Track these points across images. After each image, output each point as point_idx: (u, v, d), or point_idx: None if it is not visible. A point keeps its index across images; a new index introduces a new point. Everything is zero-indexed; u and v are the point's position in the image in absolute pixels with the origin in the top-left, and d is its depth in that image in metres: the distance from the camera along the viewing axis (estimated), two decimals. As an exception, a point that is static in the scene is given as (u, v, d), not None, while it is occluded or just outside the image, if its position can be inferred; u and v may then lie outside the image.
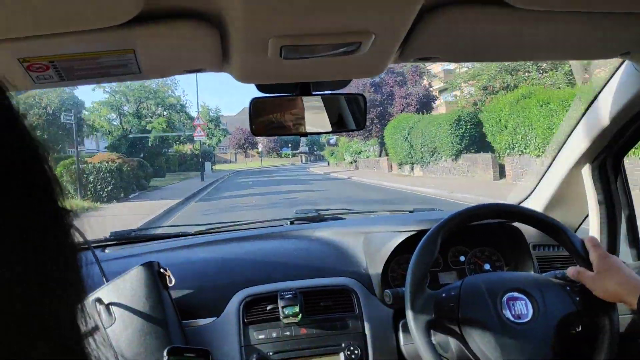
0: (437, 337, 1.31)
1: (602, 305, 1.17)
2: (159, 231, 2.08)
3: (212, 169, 38.80)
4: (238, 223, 1.96)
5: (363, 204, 11.44)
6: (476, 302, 1.19)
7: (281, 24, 0.78)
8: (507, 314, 1.17)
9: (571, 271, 1.21)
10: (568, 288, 1.21)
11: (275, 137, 31.32)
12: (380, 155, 28.84)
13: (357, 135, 29.67)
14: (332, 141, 45.26)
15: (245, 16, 0.74)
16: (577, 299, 1.19)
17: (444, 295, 1.21)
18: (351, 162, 32.92)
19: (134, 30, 0.78)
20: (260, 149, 60.34)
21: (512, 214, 1.38)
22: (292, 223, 1.93)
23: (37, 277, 0.34)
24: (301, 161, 60.80)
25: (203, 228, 1.90)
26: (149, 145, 31.42)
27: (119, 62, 0.89)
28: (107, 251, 1.72)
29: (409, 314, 1.18)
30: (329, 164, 43.40)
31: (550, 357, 1.14)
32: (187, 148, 40.31)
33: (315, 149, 64.41)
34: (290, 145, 62.18)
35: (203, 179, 25.34)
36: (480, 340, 1.16)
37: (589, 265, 1.18)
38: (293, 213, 2.06)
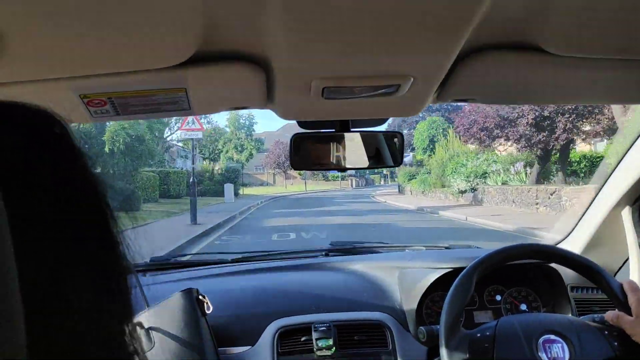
0: None
1: None
2: (197, 258, 2.13)
3: (236, 193, 28.18)
4: (274, 252, 2.00)
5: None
6: (511, 343, 1.17)
7: (324, 67, 0.81)
8: (543, 356, 1.15)
9: (610, 315, 1.19)
10: (606, 332, 1.18)
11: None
12: (540, 181, 16.05)
13: (492, 140, 18.15)
14: (406, 159, 31.22)
15: (290, 59, 0.78)
16: (616, 344, 1.16)
17: (478, 335, 1.20)
18: (463, 192, 19.50)
19: (187, 71, 0.83)
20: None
21: (547, 255, 1.37)
22: (327, 255, 1.94)
23: (95, 296, 0.38)
24: (351, 185, 55.76)
25: (240, 256, 1.94)
26: (108, 150, 18.45)
27: (171, 99, 0.94)
28: (147, 276, 1.78)
29: (444, 353, 1.17)
30: (399, 190, 31.58)
31: None
32: (218, 166, 31.42)
33: (367, 172, 60.38)
34: (338, 166, 57.09)
35: (195, 219, 13.63)
36: None
37: (627, 310, 1.15)
38: (328, 244, 2.08)
